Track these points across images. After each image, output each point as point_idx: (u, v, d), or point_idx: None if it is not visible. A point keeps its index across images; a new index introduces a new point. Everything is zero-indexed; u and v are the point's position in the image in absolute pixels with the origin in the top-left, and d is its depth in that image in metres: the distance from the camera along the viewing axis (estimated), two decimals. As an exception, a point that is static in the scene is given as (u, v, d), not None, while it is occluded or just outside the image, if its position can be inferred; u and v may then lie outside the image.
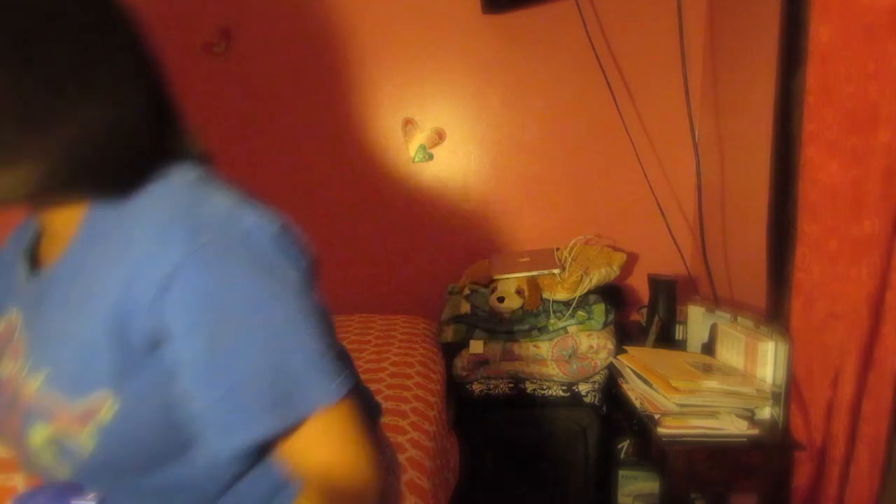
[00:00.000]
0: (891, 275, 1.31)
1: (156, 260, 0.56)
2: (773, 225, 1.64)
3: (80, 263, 0.62)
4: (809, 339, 1.47)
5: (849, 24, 1.32)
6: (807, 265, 1.46)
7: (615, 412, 2.02)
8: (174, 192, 0.61)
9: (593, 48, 2.17)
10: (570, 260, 2.12)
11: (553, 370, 2.00)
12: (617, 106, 2.20)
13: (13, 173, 0.56)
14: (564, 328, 2.01)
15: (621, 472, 2.08)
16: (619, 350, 1.90)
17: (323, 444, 0.61)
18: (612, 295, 2.16)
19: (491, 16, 2.23)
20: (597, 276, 2.05)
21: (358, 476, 0.61)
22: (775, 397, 1.52)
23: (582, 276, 2.04)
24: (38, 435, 0.60)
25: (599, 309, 2.03)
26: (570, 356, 1.99)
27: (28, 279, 0.68)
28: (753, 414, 1.54)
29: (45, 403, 0.59)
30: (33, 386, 0.61)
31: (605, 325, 2.03)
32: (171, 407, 0.59)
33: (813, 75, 1.40)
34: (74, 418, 0.58)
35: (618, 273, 2.13)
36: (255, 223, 0.59)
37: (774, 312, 1.63)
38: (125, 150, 0.60)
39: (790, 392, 1.51)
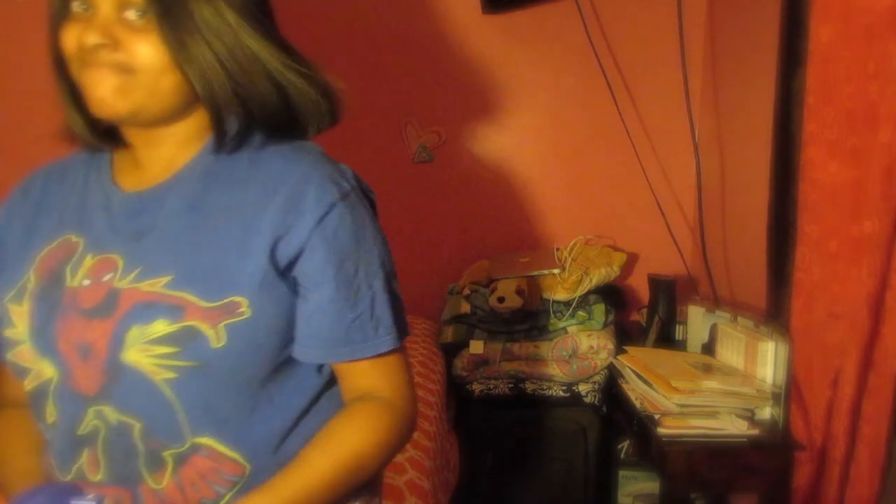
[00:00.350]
0: (891, 275, 1.31)
1: (314, 198, 0.70)
2: (773, 225, 1.64)
3: (204, 190, 0.72)
4: (809, 340, 1.47)
5: (849, 25, 1.32)
6: (807, 265, 1.46)
7: (615, 412, 2.01)
8: (311, 150, 0.76)
9: (593, 48, 2.17)
10: (570, 260, 2.12)
11: (553, 370, 1.99)
12: (617, 106, 2.19)
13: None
14: (564, 328, 2.01)
15: (621, 472, 2.08)
16: (620, 350, 1.90)
17: (389, 376, 0.77)
18: (613, 295, 2.16)
19: (491, 16, 2.23)
20: (597, 277, 2.05)
21: (409, 410, 0.78)
22: (775, 397, 1.52)
23: (582, 276, 2.04)
24: (157, 328, 0.66)
25: (599, 309, 2.03)
26: (570, 356, 1.98)
27: (114, 200, 0.75)
28: (753, 414, 1.54)
29: (174, 301, 0.67)
30: (150, 287, 0.68)
31: (606, 325, 2.03)
32: (290, 323, 0.72)
33: (813, 75, 1.40)
34: (209, 315, 0.66)
35: (618, 273, 2.12)
36: (367, 187, 0.78)
37: (774, 312, 1.63)
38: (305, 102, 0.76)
39: (790, 392, 1.50)
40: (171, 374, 0.67)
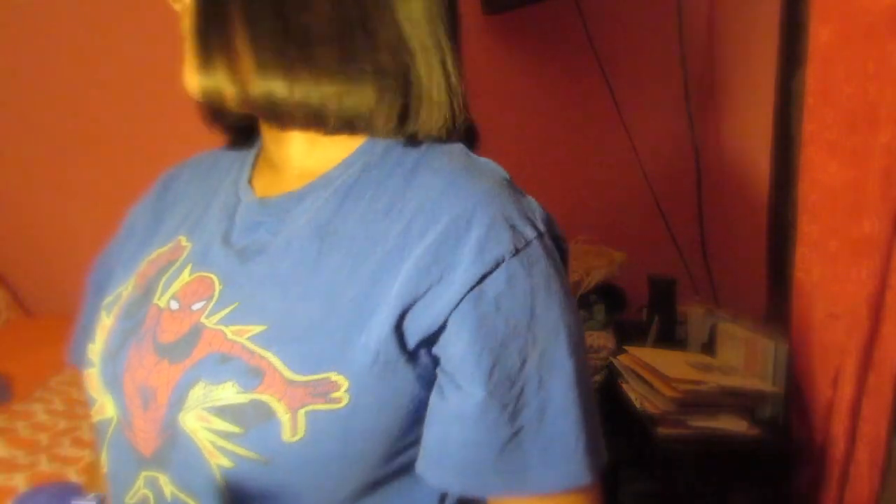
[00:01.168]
0: (891, 275, 1.31)
1: (474, 247, 0.47)
2: (773, 225, 1.65)
3: (339, 210, 0.53)
4: (809, 340, 1.47)
5: (849, 25, 1.32)
6: (807, 265, 1.46)
7: (615, 412, 2.01)
8: (488, 173, 0.54)
9: (593, 48, 2.17)
10: (569, 260, 2.12)
11: (553, 370, 1.99)
12: (617, 105, 2.19)
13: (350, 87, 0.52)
14: (564, 328, 2.01)
15: (621, 473, 2.08)
16: (619, 350, 1.90)
17: None
18: (612, 295, 2.16)
19: (491, 16, 2.23)
20: (597, 276, 2.05)
21: None
22: (775, 397, 1.52)
23: (582, 276, 2.04)
24: (224, 394, 0.48)
25: (599, 309, 2.03)
26: (570, 356, 1.98)
27: (242, 203, 0.58)
28: (753, 414, 1.54)
29: (256, 362, 0.48)
30: (236, 336, 0.50)
31: (605, 325, 2.03)
32: (409, 422, 0.49)
33: (813, 76, 1.40)
34: (290, 393, 0.47)
35: (617, 273, 2.12)
36: (560, 235, 0.53)
37: (774, 313, 1.63)
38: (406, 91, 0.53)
39: (790, 392, 1.51)
40: (226, 462, 0.48)
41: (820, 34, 1.38)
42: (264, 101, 0.52)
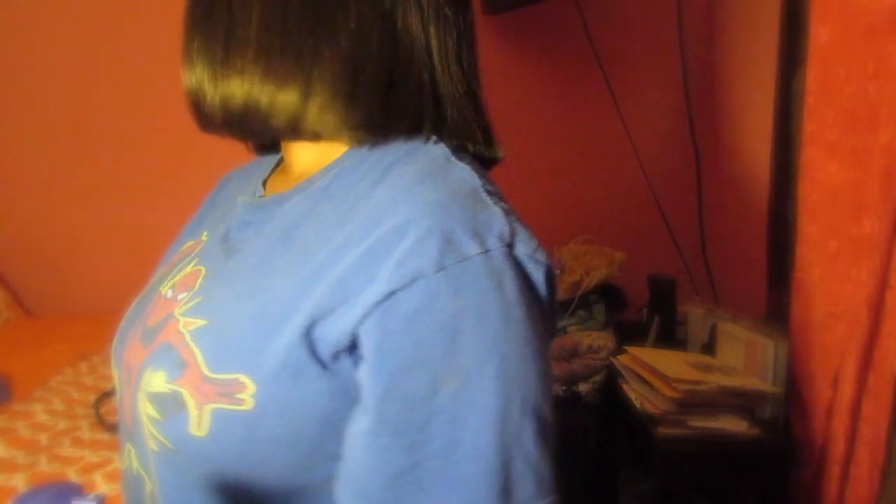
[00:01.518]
0: (891, 275, 1.31)
1: (397, 260, 0.43)
2: (772, 225, 1.65)
3: (311, 212, 0.52)
4: (809, 340, 1.47)
5: (849, 25, 1.32)
6: (807, 265, 1.46)
7: (615, 412, 2.02)
8: (455, 179, 0.48)
9: (593, 48, 2.17)
10: (569, 260, 2.12)
11: (553, 370, 2.00)
12: (617, 105, 2.19)
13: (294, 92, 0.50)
14: (564, 328, 2.01)
15: (621, 473, 2.08)
16: (619, 350, 1.90)
17: None
18: (613, 295, 2.16)
19: (491, 16, 2.23)
20: (597, 276, 2.05)
21: None
22: (775, 398, 1.52)
23: (582, 276, 2.04)
24: (156, 382, 0.50)
25: (599, 309, 2.03)
26: (570, 356, 1.98)
27: (249, 201, 0.59)
28: (754, 414, 1.54)
29: (186, 355, 0.49)
30: (185, 326, 0.51)
31: (606, 325, 2.03)
32: (323, 435, 0.47)
33: (813, 75, 1.40)
34: (202, 388, 0.47)
35: (617, 273, 2.12)
36: (529, 253, 0.47)
37: (774, 313, 1.63)
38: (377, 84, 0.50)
39: (790, 392, 1.51)
40: (154, 445, 0.50)
41: (820, 34, 1.37)
42: (223, 104, 0.51)
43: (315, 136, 0.52)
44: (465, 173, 0.50)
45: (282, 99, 0.49)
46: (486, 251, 0.44)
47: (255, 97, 0.50)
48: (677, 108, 2.12)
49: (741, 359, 1.62)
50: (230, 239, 0.57)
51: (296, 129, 0.51)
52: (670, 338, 1.98)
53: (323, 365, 0.45)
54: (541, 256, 0.48)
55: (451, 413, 0.43)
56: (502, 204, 0.49)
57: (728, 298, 2.00)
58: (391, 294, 0.43)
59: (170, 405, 0.48)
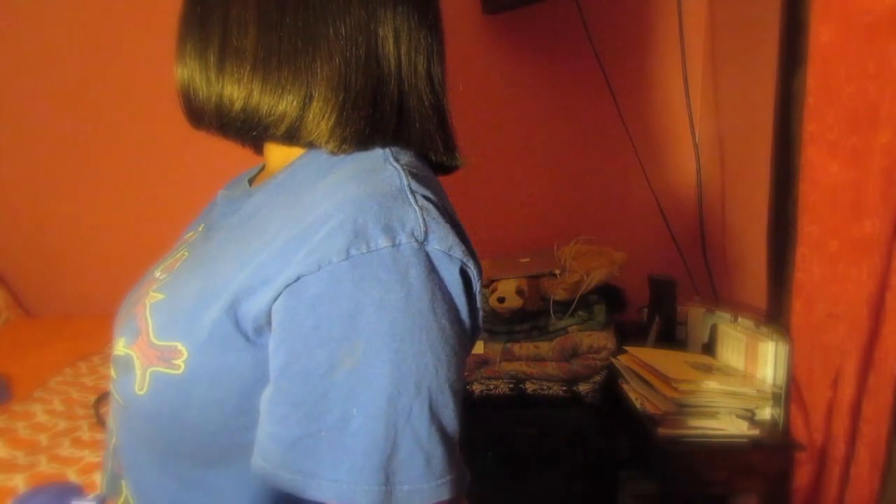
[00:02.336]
0: (891, 275, 1.31)
1: (311, 247, 0.48)
2: (773, 225, 1.64)
3: (268, 203, 0.58)
4: (810, 340, 1.47)
5: (849, 25, 1.32)
6: (807, 265, 1.46)
7: (615, 412, 2.01)
8: (383, 176, 0.52)
9: (593, 48, 2.17)
10: (570, 260, 2.12)
11: (553, 370, 2.00)
12: (617, 105, 2.19)
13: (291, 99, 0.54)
14: (565, 328, 2.01)
15: (621, 473, 2.08)
16: (620, 350, 1.90)
17: None
18: (613, 295, 2.16)
19: (491, 16, 2.23)
20: (597, 277, 2.05)
21: None
22: (775, 398, 1.52)
23: (582, 276, 2.04)
24: (118, 346, 0.58)
25: (600, 309, 2.03)
26: (570, 356, 1.98)
27: (223, 196, 0.66)
28: (754, 414, 1.54)
29: (141, 324, 0.56)
30: (150, 299, 0.57)
31: (606, 325, 2.03)
32: (240, 399, 0.52)
33: (813, 75, 1.40)
34: (148, 353, 0.54)
35: (618, 273, 2.12)
36: (442, 251, 0.50)
37: (775, 313, 1.63)
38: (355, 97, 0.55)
39: (790, 392, 1.50)
40: (114, 404, 0.59)
41: (820, 34, 1.37)
42: (219, 106, 0.56)
43: (308, 144, 0.57)
44: (394, 175, 0.53)
45: (281, 108, 0.54)
46: (395, 245, 0.48)
47: (255, 105, 0.54)
48: (677, 108, 2.12)
49: (741, 359, 1.62)
50: (210, 229, 0.63)
51: (292, 137, 0.55)
52: (670, 338, 1.98)
53: (247, 338, 0.51)
54: (456, 254, 0.51)
55: (345, 390, 0.47)
56: (426, 204, 0.51)
57: (728, 298, 2.00)
58: (299, 278, 0.48)
59: (122, 367, 0.56)
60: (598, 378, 2.01)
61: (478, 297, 0.54)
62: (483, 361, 2.04)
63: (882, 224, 1.30)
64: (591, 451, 2.02)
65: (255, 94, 0.54)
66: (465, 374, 2.05)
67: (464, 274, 0.51)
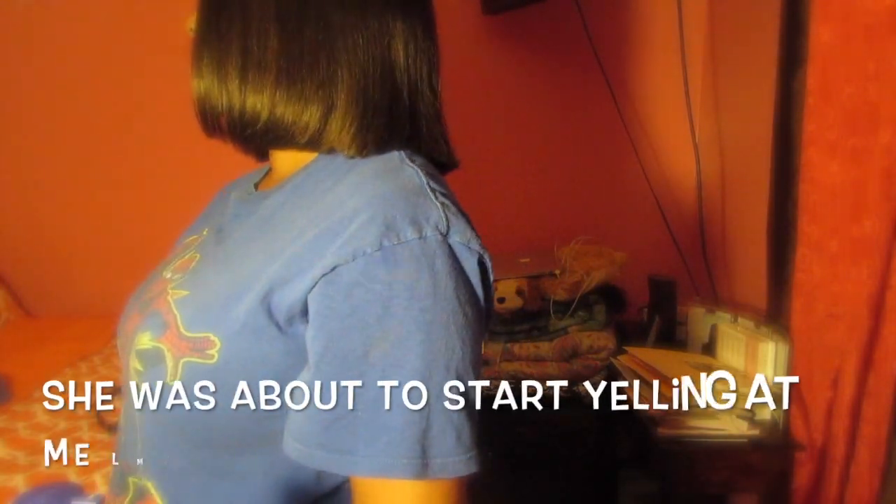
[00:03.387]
0: (891, 275, 1.31)
1: (345, 240, 0.51)
2: (773, 225, 1.64)
3: (285, 204, 0.60)
4: (810, 340, 1.47)
5: (849, 25, 1.32)
6: (807, 266, 1.46)
7: (615, 412, 2.01)
8: (401, 175, 0.56)
9: (593, 48, 2.17)
10: (570, 260, 2.12)
11: (553, 370, 1.99)
12: (617, 105, 2.19)
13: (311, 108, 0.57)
14: (565, 328, 2.01)
15: (621, 473, 2.08)
16: (620, 350, 1.90)
17: None
18: (613, 295, 2.15)
19: (491, 16, 2.23)
20: (597, 277, 2.05)
21: None
22: (775, 398, 1.52)
23: (582, 276, 2.04)
24: (143, 340, 0.59)
25: (600, 309, 2.03)
26: (570, 356, 1.98)
27: (241, 198, 0.67)
28: (753, 415, 1.54)
29: (168, 318, 0.58)
30: (171, 297, 0.60)
31: (606, 325, 2.03)
32: (280, 389, 0.54)
33: (813, 76, 1.40)
34: (179, 345, 0.56)
35: (618, 273, 2.12)
36: (463, 242, 0.54)
37: (775, 313, 1.63)
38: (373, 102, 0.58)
39: (790, 393, 1.50)
40: (137, 399, 0.59)
41: (820, 34, 1.37)
42: (242, 116, 0.58)
43: (329, 150, 0.59)
44: (413, 173, 0.57)
45: (305, 119, 0.57)
46: (422, 237, 0.52)
47: (279, 115, 0.57)
48: (677, 108, 2.12)
49: (741, 359, 1.62)
50: (223, 230, 0.65)
51: (314, 144, 0.59)
52: (670, 338, 1.98)
53: (279, 328, 0.53)
54: (474, 246, 0.55)
55: (380, 371, 0.50)
56: (444, 200, 0.55)
57: (728, 298, 2.00)
58: (335, 267, 0.51)
59: (151, 359, 0.57)
60: (598, 378, 2.01)
61: (491, 289, 0.57)
62: (483, 362, 2.04)
63: (882, 224, 1.31)
64: (591, 451, 2.02)
65: (280, 105, 0.56)
66: (465, 374, 2.04)
67: (481, 265, 0.55)
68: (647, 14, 2.23)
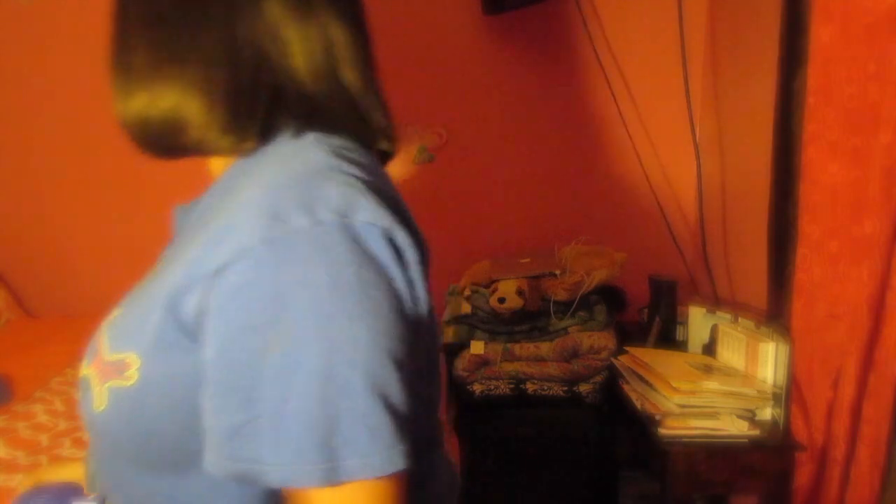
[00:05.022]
0: (891, 275, 1.31)
1: (232, 237, 0.48)
2: (773, 225, 1.64)
3: (207, 208, 0.58)
4: (810, 340, 1.47)
5: (850, 25, 1.32)
6: (807, 266, 1.46)
7: (616, 413, 2.01)
8: (303, 160, 0.53)
9: (594, 48, 2.17)
10: (570, 261, 2.12)
11: (554, 371, 1.99)
12: (617, 106, 2.20)
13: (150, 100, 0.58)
14: (565, 329, 2.01)
15: (622, 473, 2.08)
16: (620, 350, 1.90)
17: None
18: (613, 295, 2.16)
19: (492, 16, 2.23)
20: (597, 277, 2.05)
21: None
22: (776, 398, 1.52)
23: (583, 276, 2.04)
24: (81, 368, 0.58)
25: (600, 309, 2.03)
26: (570, 357, 1.98)
27: (175, 208, 0.66)
28: (754, 415, 1.54)
29: (98, 343, 0.56)
30: (107, 319, 0.58)
31: (606, 325, 2.03)
32: (191, 408, 0.50)
33: (814, 76, 1.40)
34: (104, 369, 0.54)
35: (618, 274, 2.12)
36: (368, 224, 0.49)
37: (775, 313, 1.62)
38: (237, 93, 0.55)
39: (791, 393, 1.50)
40: (86, 417, 0.59)
41: (821, 34, 1.37)
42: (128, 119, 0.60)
43: (214, 153, 0.58)
44: (318, 155, 0.53)
45: (174, 119, 0.56)
46: (316, 223, 0.47)
47: (154, 120, 0.57)
48: (677, 108, 2.12)
49: (742, 359, 1.62)
50: (174, 240, 0.64)
51: (193, 149, 0.57)
52: (671, 338, 1.98)
53: (191, 339, 0.49)
54: (383, 223, 0.50)
55: (278, 374, 0.46)
56: (350, 180, 0.51)
57: (728, 298, 2.00)
58: (222, 268, 0.47)
59: (83, 387, 0.57)
60: (598, 378, 2.01)
61: (412, 268, 0.51)
62: (484, 362, 2.04)
63: (882, 224, 1.30)
64: (592, 451, 2.02)
65: (144, 109, 0.57)
66: (466, 374, 2.05)
67: (392, 244, 0.50)
68: (647, 14, 2.23)
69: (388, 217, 0.50)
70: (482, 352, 2.02)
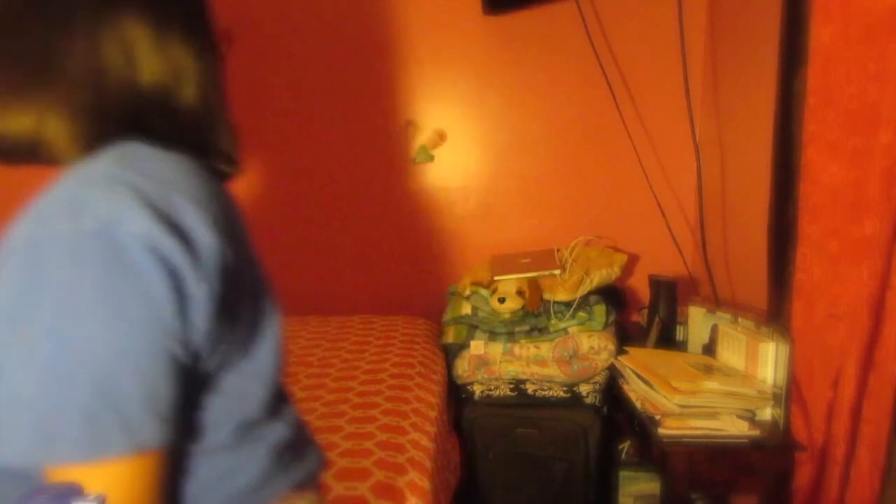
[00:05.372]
0: (891, 276, 1.31)
1: (12, 234, 0.53)
2: (773, 225, 1.64)
3: None
4: (810, 340, 1.47)
5: (850, 25, 1.32)
6: (807, 266, 1.46)
7: (616, 413, 2.01)
8: (85, 167, 0.56)
9: (594, 49, 2.17)
10: (570, 261, 2.12)
11: (554, 371, 1.99)
12: (617, 106, 2.20)
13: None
14: (565, 329, 2.01)
15: (622, 473, 2.08)
16: (620, 351, 1.90)
17: None
18: (613, 296, 2.16)
19: (492, 17, 2.23)
20: (597, 277, 2.05)
21: None
22: (776, 398, 1.52)
23: (583, 276, 2.04)
24: None
25: (600, 310, 2.03)
26: (570, 357, 1.98)
27: None
28: (754, 415, 1.54)
29: None
30: None
31: (606, 325, 2.03)
32: None
33: (814, 76, 1.40)
34: None
35: (618, 274, 2.13)
36: (134, 234, 0.51)
37: (775, 313, 1.62)
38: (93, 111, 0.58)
39: (791, 393, 1.50)
40: None
41: (821, 34, 1.37)
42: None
43: (63, 161, 0.60)
44: (100, 165, 0.56)
45: (17, 132, 0.59)
46: (77, 228, 0.50)
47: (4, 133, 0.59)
48: (678, 109, 2.12)
49: (742, 359, 1.62)
50: None
51: (48, 159, 0.60)
52: (671, 338, 1.98)
53: None
54: (149, 235, 0.52)
55: (9, 370, 0.50)
56: (125, 190, 0.53)
57: (728, 299, 2.00)
58: (2, 264, 0.51)
59: None
60: (598, 379, 2.01)
61: (187, 279, 0.54)
62: (484, 362, 2.04)
63: (882, 224, 1.30)
64: (592, 451, 2.02)
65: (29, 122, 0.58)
66: (466, 374, 2.04)
67: (155, 255, 0.52)
68: (647, 14, 2.23)
69: (155, 228, 0.52)
70: (482, 352, 2.02)
